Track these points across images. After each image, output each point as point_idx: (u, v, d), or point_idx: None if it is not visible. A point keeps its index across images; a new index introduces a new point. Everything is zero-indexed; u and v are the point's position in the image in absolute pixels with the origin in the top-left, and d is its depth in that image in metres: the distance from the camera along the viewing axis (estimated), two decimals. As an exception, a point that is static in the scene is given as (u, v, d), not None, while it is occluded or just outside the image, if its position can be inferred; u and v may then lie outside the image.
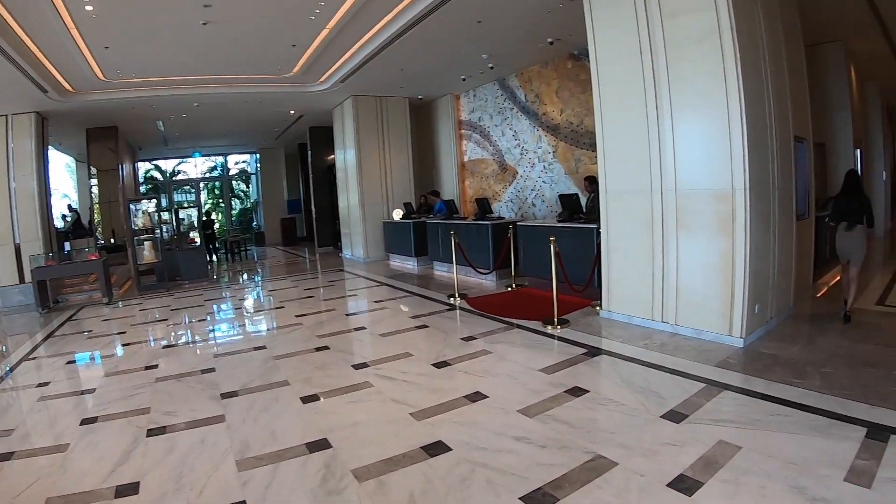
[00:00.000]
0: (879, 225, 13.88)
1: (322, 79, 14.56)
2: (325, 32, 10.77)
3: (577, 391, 5.45)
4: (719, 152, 6.62)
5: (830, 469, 3.78)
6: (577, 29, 8.32)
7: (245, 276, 16.79)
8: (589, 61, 8.20)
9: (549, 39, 11.91)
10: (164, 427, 5.16)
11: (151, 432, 5.07)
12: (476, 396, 5.44)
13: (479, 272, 11.25)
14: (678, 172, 7.07)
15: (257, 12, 9.44)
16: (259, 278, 16.40)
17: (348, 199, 17.82)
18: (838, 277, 10.31)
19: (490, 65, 13.94)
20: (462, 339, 7.60)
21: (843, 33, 12.77)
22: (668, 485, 3.69)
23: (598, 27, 7.97)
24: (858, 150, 14.10)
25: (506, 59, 13.53)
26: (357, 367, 6.62)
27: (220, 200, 29.06)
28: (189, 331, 9.35)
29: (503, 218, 12.88)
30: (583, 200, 10.82)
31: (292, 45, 11.58)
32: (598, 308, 8.43)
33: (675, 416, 4.78)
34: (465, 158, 17.71)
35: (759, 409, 4.84)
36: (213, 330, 9.37)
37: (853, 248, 7.67)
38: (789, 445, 4.15)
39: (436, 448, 4.38)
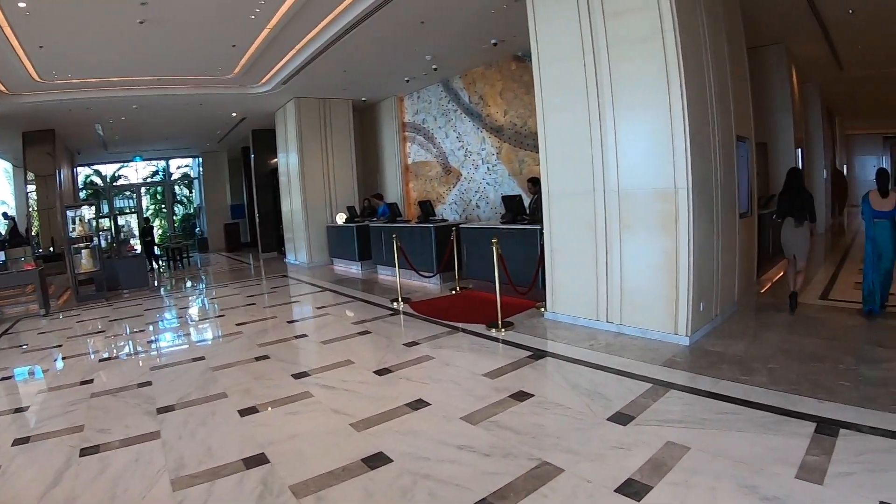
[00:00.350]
0: (821, 221, 14.17)
1: (264, 80, 14.29)
2: (265, 32, 10.54)
3: (521, 395, 5.34)
4: (662, 152, 6.61)
5: (781, 466, 3.74)
6: (521, 30, 8.25)
7: (186, 284, 16.36)
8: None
9: (494, 41, 11.83)
10: (98, 446, 4.88)
11: (85, 452, 4.79)
12: (418, 404, 5.28)
13: (422, 276, 11.15)
14: (621, 173, 7.04)
15: (195, 11, 9.19)
16: (201, 286, 16.00)
17: (291, 203, 17.54)
18: (782, 273, 10.61)
19: (434, 66, 13.82)
20: (405, 344, 7.44)
21: (785, 36, 13.05)
22: (616, 490, 3.59)
23: (540, 27, 7.90)
24: (800, 150, 14.39)
25: (450, 60, 13.43)
26: (297, 376, 6.41)
27: (163, 206, 28.41)
28: (127, 342, 8.98)
29: (446, 220, 12.83)
30: (526, 202, 10.78)
31: (232, 46, 11.31)
32: (542, 310, 8.36)
33: (621, 418, 4.70)
34: (409, 161, 17.53)
35: (706, 408, 4.80)
36: (152, 341, 9.01)
37: (798, 242, 8.06)
38: (738, 444, 4.11)
39: (376, 460, 4.21)
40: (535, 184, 9.85)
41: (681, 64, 6.39)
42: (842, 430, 4.21)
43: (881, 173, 7.63)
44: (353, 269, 15.06)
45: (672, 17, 6.39)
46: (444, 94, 15.50)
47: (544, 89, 7.91)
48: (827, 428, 4.26)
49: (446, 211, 15.93)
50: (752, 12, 10.35)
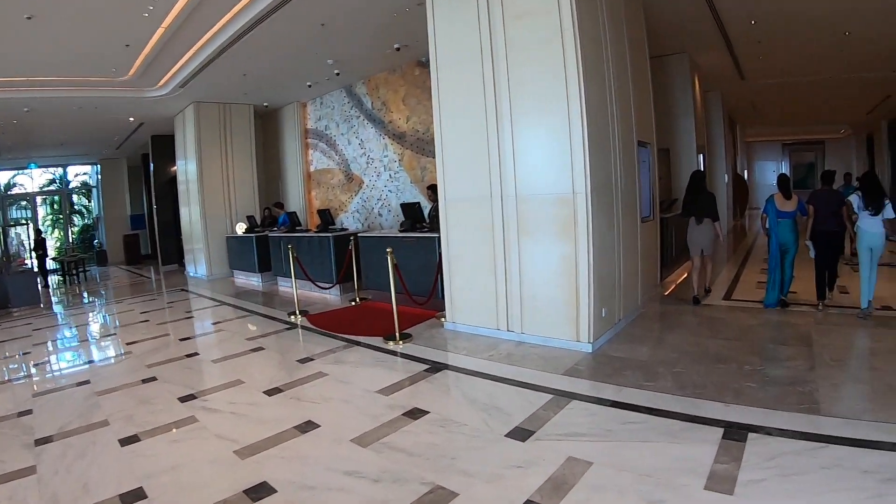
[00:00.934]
0: (723, 222, 14.34)
1: (161, 83, 13.60)
2: (160, 32, 9.96)
3: (416, 413, 5.07)
4: (560, 156, 6.50)
5: (689, 477, 3.62)
6: (424, 35, 7.98)
7: (81, 301, 15.44)
8: (433, 67, 7.95)
9: (396, 45, 11.58)
10: (-30, 486, 4.39)
11: (-44, 493, 4.29)
12: (307, 426, 4.94)
13: (319, 287, 10.73)
14: (518, 178, 6.89)
15: (84, 6, 8.59)
16: (96, 302, 15.09)
17: (190, 212, 16.80)
18: (686, 274, 10.91)
19: (336, 71, 13.42)
20: (298, 361, 7.07)
21: (689, 46, 13.33)
22: (516, 512, 3.36)
23: (440, 29, 7.69)
24: (701, 155, 14.73)
25: (352, 65, 13.08)
26: (184, 399, 5.95)
27: (61, 216, 27.04)
28: (10, 366, 8.29)
29: (346, 229, 12.55)
30: (426, 209, 10.58)
31: (126, 45, 10.63)
32: (443, 320, 8.14)
33: (520, 433, 4.49)
34: (312, 168, 17.01)
35: (609, 418, 4.68)
36: (38, 364, 8.31)
37: (703, 239, 8.76)
38: (643, 455, 3.97)
39: (259, 490, 3.87)
40: (434, 191, 9.56)
41: (580, 68, 6.29)
42: (750, 435, 4.16)
43: (783, 179, 8.44)
44: (253, 281, 14.53)
45: (572, 21, 6.29)
46: (347, 100, 15.13)
47: (442, 92, 7.70)
48: (735, 433, 4.21)
49: (349, 219, 15.57)
50: (658, 21, 10.53)
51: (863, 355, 6.37)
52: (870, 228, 7.50)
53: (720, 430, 4.25)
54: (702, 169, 13.55)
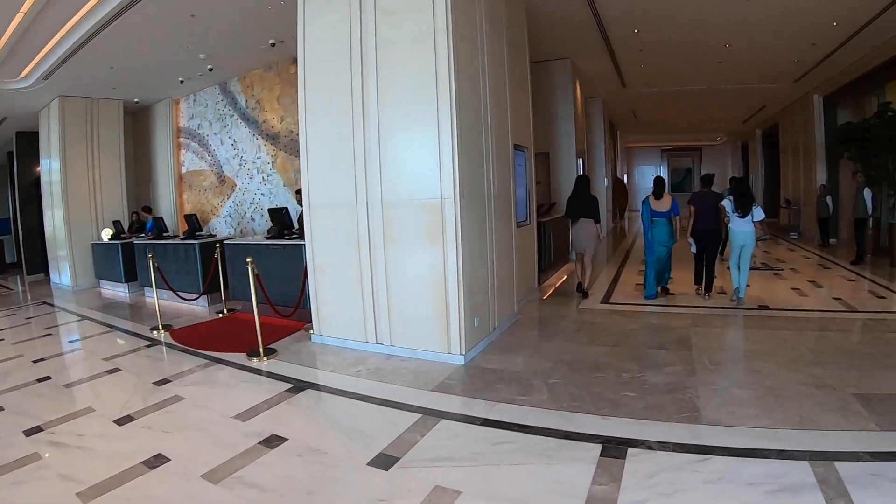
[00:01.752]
0: (603, 224, 14.56)
1: (22, 74, 12.48)
2: (19, 17, 9.09)
3: (274, 440, 4.62)
4: (428, 160, 6.24)
5: (565, 502, 3.40)
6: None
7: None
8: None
9: (272, 41, 11.11)
10: None
11: None
12: (156, 461, 4.39)
13: (181, 298, 10.05)
14: (385, 183, 6.56)
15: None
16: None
17: (53, 217, 15.50)
18: (565, 277, 11.20)
19: (209, 66, 12.74)
20: (155, 383, 6.43)
21: (572, 52, 13.50)
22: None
23: (309, 22, 7.23)
24: (581, 160, 14.89)
25: (226, 60, 12.46)
26: (29, 432, 5.21)
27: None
28: None
29: (214, 235, 11.94)
30: (295, 214, 10.17)
31: (-19, 32, 9.77)
32: (311, 332, 7.70)
33: (384, 461, 4.13)
34: (184, 170, 16.04)
35: (480, 439, 4.40)
36: None
37: (585, 239, 9.28)
38: (516, 480, 3.74)
39: (99, 541, 3.34)
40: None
41: (452, 68, 6.05)
42: (630, 450, 4.01)
43: (658, 181, 9.22)
44: (120, 292, 13.53)
45: (446, 19, 6.05)
46: (221, 98, 14.41)
47: (308, 91, 7.24)
48: (614, 449, 4.06)
49: (221, 224, 14.87)
50: (541, 27, 10.57)
51: (742, 357, 6.41)
52: (740, 228, 8.44)
53: (598, 447, 4.08)
54: (583, 173, 13.75)
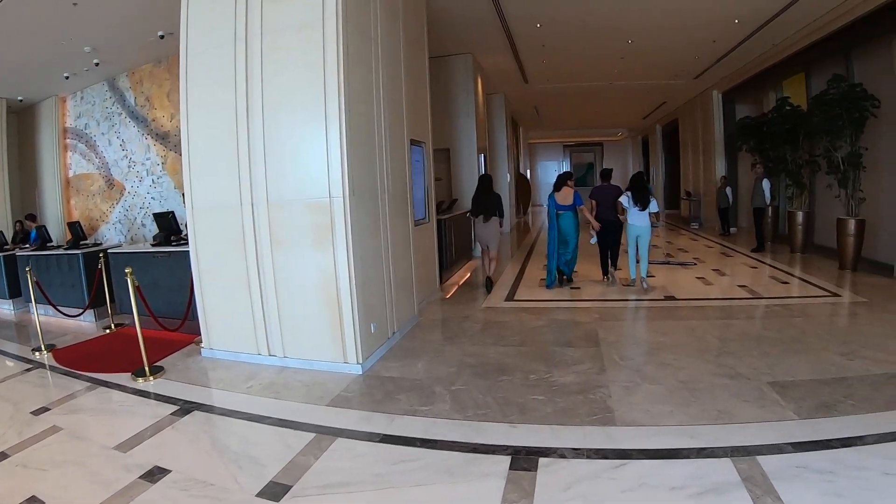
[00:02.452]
0: (506, 220, 14.62)
1: None
2: None
3: (156, 473, 4.08)
4: (315, 157, 5.80)
5: None
6: (187, 21, 7.01)
7: None
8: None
9: (160, 33, 10.40)
10: None
11: None
12: (30, 505, 3.83)
13: (64, 314, 9.16)
14: (270, 181, 6.07)
15: None
16: None
17: (-71, 226, 14.22)
18: (469, 274, 11.13)
19: (95, 61, 11.82)
20: (33, 413, 5.63)
21: (474, 47, 13.33)
22: None
23: (193, 9, 6.61)
24: (482, 156, 14.81)
25: (113, 54, 11.63)
26: None
27: None
28: None
29: (100, 244, 11.14)
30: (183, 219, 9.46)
31: None
32: (202, 346, 7.08)
33: (275, 490, 3.69)
34: (71, 173, 14.88)
35: (380, 458, 4.03)
36: None
37: (490, 235, 9.57)
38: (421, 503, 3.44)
39: None
40: (192, 198, 8.69)
41: (341, 59, 5.65)
42: (541, 460, 3.77)
43: (559, 177, 9.80)
44: (5, 309, 12.27)
45: (336, 6, 5.64)
46: (109, 95, 13.47)
47: (190, 83, 6.62)
48: (524, 460, 3.80)
49: (111, 231, 13.94)
50: (442, 21, 10.42)
51: (652, 351, 6.27)
52: (636, 222, 9.09)
53: (507, 459, 3.81)
54: (484, 170, 13.92)
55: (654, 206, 9.02)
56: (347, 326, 5.84)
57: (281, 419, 4.86)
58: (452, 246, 11.40)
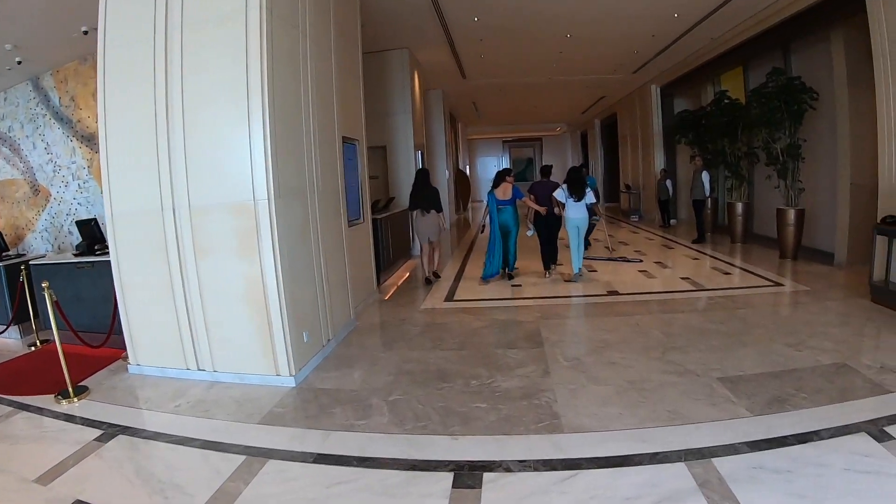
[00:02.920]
0: (446, 215, 14.42)
1: None
2: None
3: None
4: (238, 157, 5.42)
5: None
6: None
7: None
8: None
9: (84, 28, 9.71)
10: None
11: None
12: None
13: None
14: (191, 185, 5.63)
15: None
16: None
17: None
18: (408, 274, 11.00)
19: (18, 59, 11.10)
20: None
21: (410, 42, 13.08)
22: None
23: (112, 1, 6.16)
24: (420, 153, 14.57)
25: (36, 51, 10.88)
26: None
27: None
28: None
29: (23, 255, 10.44)
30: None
31: None
32: (129, 362, 6.59)
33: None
34: None
35: (315, 481, 3.72)
36: None
37: (430, 228, 9.91)
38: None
39: None
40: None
41: (265, 51, 5.30)
42: (486, 476, 3.56)
43: (497, 174, 10.08)
44: None
45: (260, -3, 5.25)
46: (33, 95, 12.63)
47: (108, 80, 6.19)
48: (467, 476, 3.58)
49: (37, 240, 13.16)
50: (376, 14, 10.19)
51: (597, 349, 6.07)
52: (574, 214, 9.50)
53: (450, 476, 3.58)
54: (422, 166, 13.63)
55: (590, 198, 9.56)
56: (278, 337, 5.49)
57: (210, 441, 4.49)
58: (390, 246, 11.19)
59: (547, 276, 10.05)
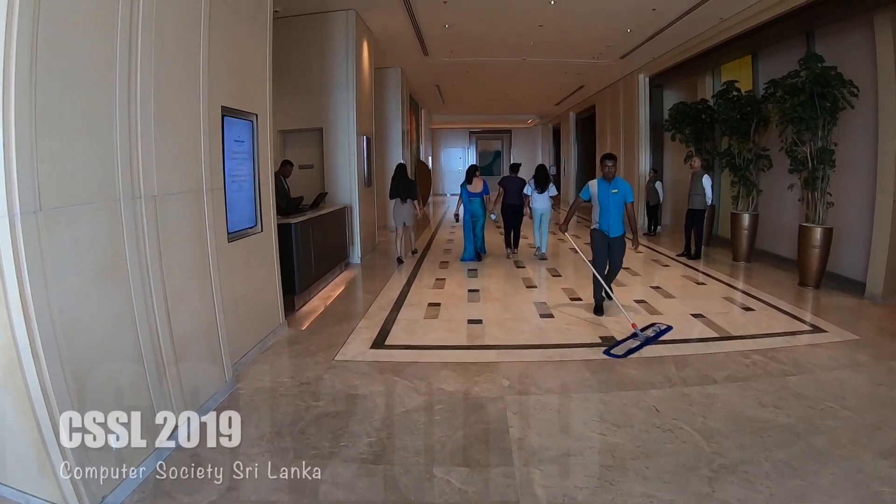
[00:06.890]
0: (419, 205, 12.57)
1: None
2: None
3: None
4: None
5: None
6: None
7: None
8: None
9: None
10: None
11: None
12: None
13: None
14: None
15: None
16: None
17: None
18: (342, 288, 9.25)
19: None
20: None
21: (357, 2, 10.86)
22: None
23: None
24: (366, 139, 12.52)
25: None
26: None
27: None
28: None
29: None
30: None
31: None
32: None
33: None
34: None
35: None
36: None
37: (407, 214, 11.41)
38: None
39: None
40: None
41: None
42: None
43: (469, 169, 12.00)
44: None
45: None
46: None
47: None
48: None
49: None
50: None
51: (604, 472, 3.62)
52: (539, 205, 11.56)
53: None
54: (367, 154, 12.44)
55: (552, 191, 11.71)
56: (53, 449, 3.08)
57: None
58: (313, 257, 8.52)
59: (508, 253, 12.18)
